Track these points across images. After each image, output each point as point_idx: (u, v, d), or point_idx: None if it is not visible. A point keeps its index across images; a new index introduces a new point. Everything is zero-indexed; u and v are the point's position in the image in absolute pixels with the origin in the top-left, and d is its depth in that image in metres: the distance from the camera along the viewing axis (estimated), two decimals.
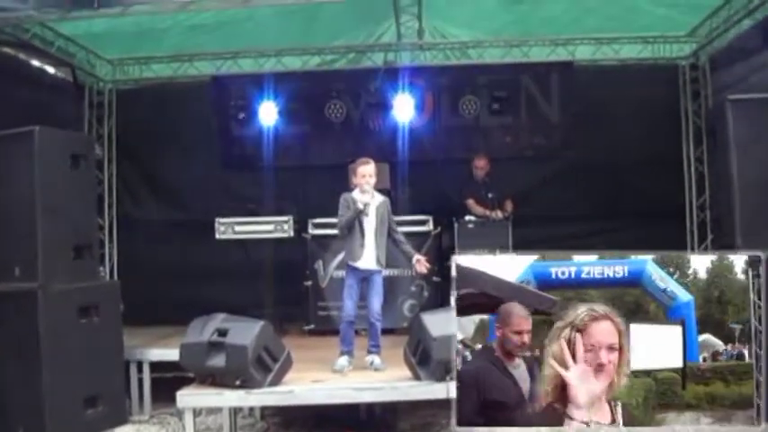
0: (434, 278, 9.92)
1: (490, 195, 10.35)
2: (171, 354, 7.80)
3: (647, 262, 5.08)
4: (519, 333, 4.38)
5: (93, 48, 10.93)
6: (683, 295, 5.01)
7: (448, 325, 6.39)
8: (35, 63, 10.34)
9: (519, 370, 4.41)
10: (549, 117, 11.85)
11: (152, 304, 10.57)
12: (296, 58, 11.80)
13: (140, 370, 9.17)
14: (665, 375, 4.83)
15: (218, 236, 10.15)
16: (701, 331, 4.89)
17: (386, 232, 7.60)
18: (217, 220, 10.17)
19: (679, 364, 4.83)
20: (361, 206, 7.41)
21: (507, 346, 4.41)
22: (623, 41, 11.53)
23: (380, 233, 7.53)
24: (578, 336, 3.96)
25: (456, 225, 10.05)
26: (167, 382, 6.78)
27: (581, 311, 4.00)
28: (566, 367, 3.94)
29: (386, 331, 7.89)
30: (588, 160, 11.29)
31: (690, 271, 5.04)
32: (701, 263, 5.05)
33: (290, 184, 11.43)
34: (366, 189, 7.49)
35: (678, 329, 4.88)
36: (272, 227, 10.10)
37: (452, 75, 11.72)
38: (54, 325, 7.71)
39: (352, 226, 7.52)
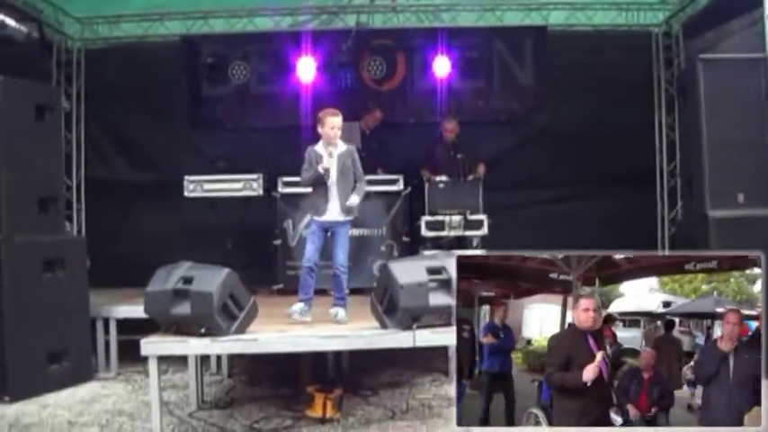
0: (404, 238, 9.92)
1: (459, 156, 10.20)
2: (137, 311, 7.65)
3: None
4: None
5: (60, 4, 10.73)
6: None
7: (416, 272, 6.40)
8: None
9: None
10: (522, 82, 11.82)
11: (120, 265, 10.44)
12: (267, 18, 11.65)
13: (107, 328, 9.08)
14: None
15: (186, 194, 10.09)
16: None
17: (350, 180, 7.39)
18: (186, 177, 10.13)
19: None
20: (321, 170, 7.22)
21: None
22: (597, 8, 11.48)
23: (343, 182, 7.32)
24: None
25: (427, 185, 9.95)
26: (135, 343, 6.68)
27: None
28: None
29: (355, 291, 7.82)
30: (560, 126, 11.27)
31: None
32: None
33: (260, 143, 11.29)
34: (332, 143, 7.30)
35: None
36: (242, 185, 10.04)
37: (425, 37, 11.57)
38: (17, 278, 7.66)
39: (315, 183, 7.42)
